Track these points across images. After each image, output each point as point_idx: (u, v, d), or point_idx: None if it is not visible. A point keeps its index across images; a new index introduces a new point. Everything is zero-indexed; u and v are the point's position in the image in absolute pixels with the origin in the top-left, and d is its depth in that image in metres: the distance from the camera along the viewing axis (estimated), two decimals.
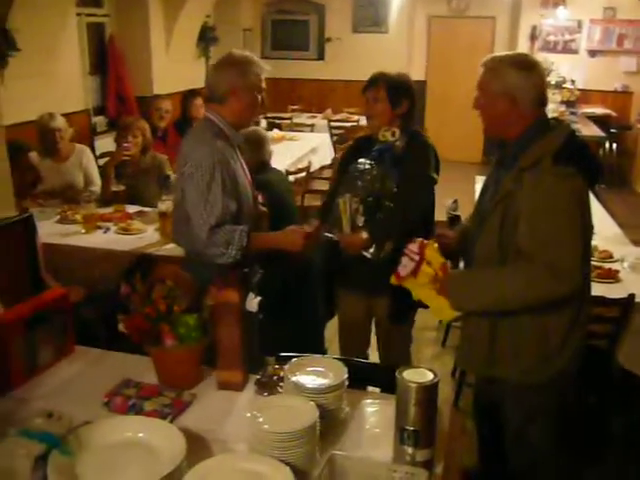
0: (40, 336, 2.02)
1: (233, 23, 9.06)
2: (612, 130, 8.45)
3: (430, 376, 1.57)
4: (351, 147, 2.94)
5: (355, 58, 9.33)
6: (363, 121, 8.14)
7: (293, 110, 8.94)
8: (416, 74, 9.77)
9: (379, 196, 2.54)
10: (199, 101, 5.54)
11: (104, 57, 6.62)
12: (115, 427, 1.61)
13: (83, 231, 3.58)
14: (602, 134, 7.84)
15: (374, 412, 1.83)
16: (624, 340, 2.83)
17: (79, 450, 1.52)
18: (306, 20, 9.65)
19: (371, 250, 2.58)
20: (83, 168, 4.27)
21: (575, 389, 2.15)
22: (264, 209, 2.69)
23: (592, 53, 9.11)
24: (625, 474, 2.96)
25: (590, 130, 7.72)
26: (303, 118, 8.54)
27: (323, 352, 3.62)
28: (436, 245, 2.14)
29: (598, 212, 4.01)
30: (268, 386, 1.92)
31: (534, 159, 1.99)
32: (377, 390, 2.11)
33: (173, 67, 7.28)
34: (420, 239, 2.14)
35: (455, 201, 4.30)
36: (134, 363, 2.08)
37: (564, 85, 8.77)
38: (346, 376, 1.79)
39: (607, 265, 3.25)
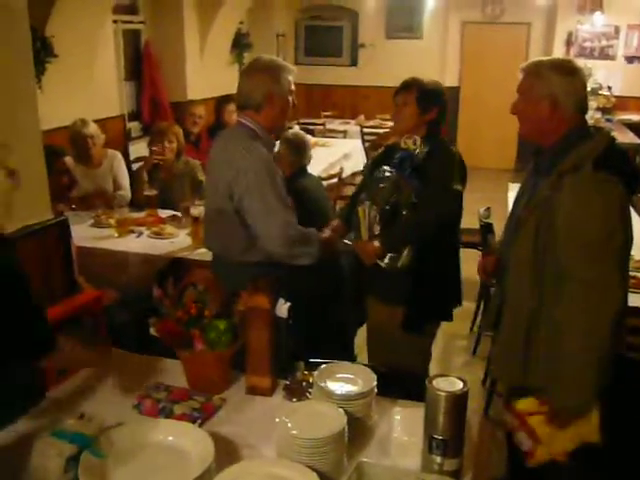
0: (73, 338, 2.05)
1: (267, 29, 9.11)
2: None
3: (460, 385, 1.55)
4: (379, 154, 2.93)
5: (388, 64, 9.32)
6: None
7: (326, 116, 8.96)
8: (449, 80, 9.72)
9: (396, 205, 2.52)
10: (232, 107, 5.58)
11: (139, 63, 6.71)
12: (146, 430, 1.63)
13: (116, 235, 3.64)
14: (639, 141, 7.69)
15: (403, 420, 1.81)
16: None
17: (110, 452, 1.54)
18: (339, 26, 9.67)
19: (386, 260, 2.56)
20: (113, 173, 4.33)
21: (610, 402, 2.09)
22: None
23: (629, 59, 8.96)
24: None
25: (626, 137, 7.58)
26: (336, 124, 8.55)
27: (353, 358, 3.61)
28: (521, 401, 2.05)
29: (633, 220, 3.92)
30: (297, 392, 1.92)
31: (574, 164, 1.96)
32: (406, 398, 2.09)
33: (207, 73, 7.35)
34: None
35: (487, 209, 4.26)
36: (165, 366, 2.11)
37: (600, 92, 8.62)
38: (375, 383, 1.78)
39: None
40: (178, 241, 3.57)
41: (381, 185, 2.50)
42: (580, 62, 8.01)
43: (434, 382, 1.55)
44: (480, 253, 4.20)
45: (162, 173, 4.25)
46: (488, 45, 9.51)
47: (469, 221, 5.13)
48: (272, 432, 1.66)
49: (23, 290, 1.59)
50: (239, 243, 2.46)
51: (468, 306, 4.41)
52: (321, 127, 8.18)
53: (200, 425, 1.75)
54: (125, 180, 4.41)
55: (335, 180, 5.52)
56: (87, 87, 5.35)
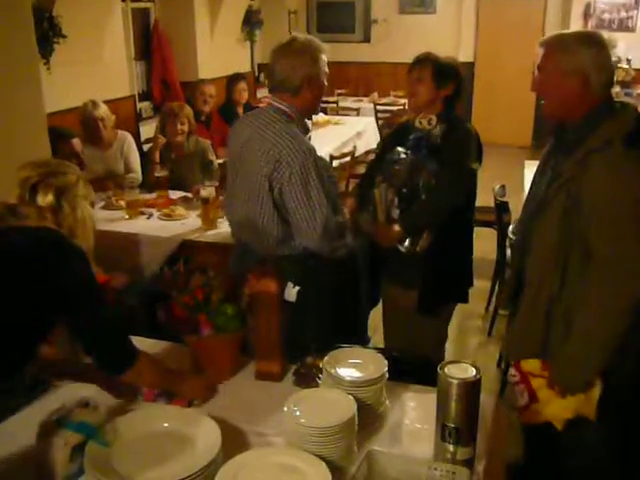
0: None
1: (278, 6, 8.99)
2: None
3: (473, 372, 1.51)
4: (392, 133, 2.85)
5: (402, 40, 9.16)
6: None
7: (339, 94, 8.85)
8: (464, 56, 9.54)
9: (414, 187, 2.45)
10: (243, 85, 5.52)
11: (149, 43, 6.65)
12: (151, 418, 1.61)
13: (127, 217, 3.61)
14: None
15: (415, 407, 1.78)
16: None
17: (115, 440, 1.52)
18: (352, 2, 9.49)
19: (405, 244, 2.50)
20: (124, 155, 4.29)
21: (633, 388, 2.03)
22: None
23: None
24: None
25: None
26: (349, 102, 8.44)
27: (366, 340, 3.58)
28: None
29: None
30: (306, 377, 1.89)
31: (604, 140, 1.86)
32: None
33: (218, 51, 7.27)
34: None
35: (503, 187, 4.18)
36: (173, 351, 2.07)
37: (619, 65, 8.43)
38: (386, 369, 1.74)
39: None
40: (189, 223, 3.53)
41: (397, 167, 2.44)
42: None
43: (446, 369, 1.50)
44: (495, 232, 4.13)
45: (173, 153, 4.21)
46: (503, 19, 9.31)
47: (484, 199, 5.05)
48: (281, 419, 1.62)
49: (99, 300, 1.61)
50: (274, 237, 2.36)
51: (483, 285, 4.36)
52: (334, 105, 8.08)
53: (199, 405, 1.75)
54: (136, 162, 4.37)
55: (348, 159, 5.45)
56: (97, 67, 5.31)
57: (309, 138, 2.54)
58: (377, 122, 7.65)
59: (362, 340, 3.51)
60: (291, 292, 1.98)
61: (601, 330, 1.86)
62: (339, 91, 8.96)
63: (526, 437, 2.37)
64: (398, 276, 2.66)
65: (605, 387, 1.92)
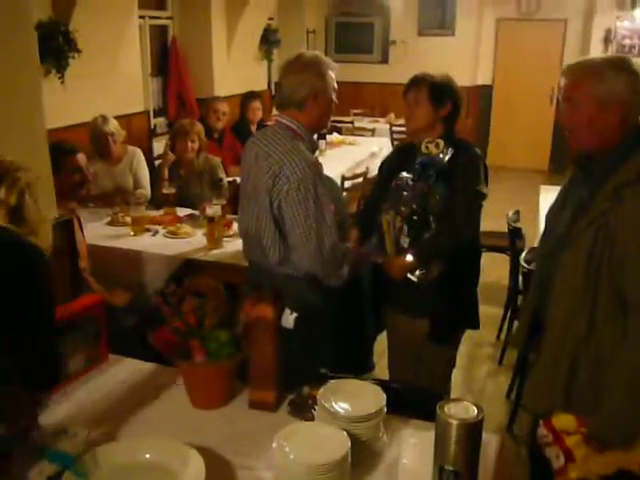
0: (71, 343, 1.97)
1: (297, 25, 9.00)
2: None
3: (474, 411, 1.41)
4: (392, 157, 2.77)
5: (420, 61, 9.06)
6: None
7: (355, 114, 8.81)
8: (482, 78, 9.52)
9: (424, 215, 2.37)
10: (257, 104, 5.51)
11: (166, 59, 6.66)
12: (134, 448, 1.53)
13: (132, 234, 3.56)
14: None
15: (414, 444, 1.68)
16: None
17: (94, 472, 1.44)
18: (371, 22, 9.50)
19: (417, 273, 2.41)
20: (133, 171, 4.26)
21: None
22: None
23: None
24: None
25: None
26: (365, 122, 8.40)
27: (371, 366, 3.49)
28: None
29: None
30: (302, 408, 1.80)
31: (638, 173, 1.72)
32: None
33: (234, 69, 7.27)
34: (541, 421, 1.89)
35: (517, 212, 4.08)
36: (166, 376, 2.00)
37: None
38: (384, 404, 1.65)
39: None
40: (194, 241, 3.47)
41: (405, 194, 2.35)
42: None
43: (446, 408, 1.41)
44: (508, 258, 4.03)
45: (182, 170, 4.18)
46: (523, 43, 9.26)
47: (498, 224, 4.97)
48: (273, 452, 1.54)
49: (48, 310, 1.54)
50: (275, 255, 2.33)
51: (495, 313, 4.26)
52: (349, 125, 8.04)
53: None
54: (145, 178, 4.34)
55: (360, 179, 5.38)
56: (111, 83, 5.30)
57: (316, 157, 2.49)
58: (392, 143, 7.59)
59: (366, 366, 3.44)
60: (288, 319, 1.89)
61: (636, 385, 1.71)
62: (355, 111, 8.93)
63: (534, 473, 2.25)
64: (404, 304, 2.56)
65: None
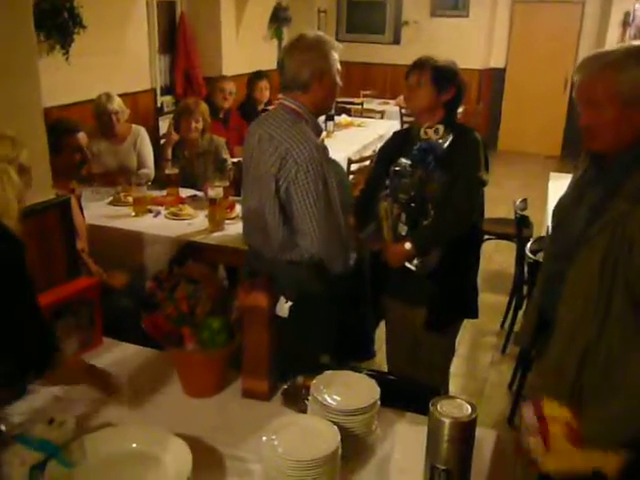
0: (64, 327, 1.94)
1: (307, 4, 8.86)
2: None
3: (468, 409, 1.37)
4: (389, 142, 2.71)
5: (432, 43, 8.97)
6: None
7: (365, 95, 8.70)
8: (496, 61, 9.36)
9: (423, 202, 2.31)
10: (264, 84, 5.43)
11: (174, 36, 6.57)
12: (121, 437, 1.51)
13: (133, 214, 3.52)
14: None
15: (408, 439, 1.64)
16: None
17: (80, 460, 1.42)
18: (383, 2, 9.34)
19: (415, 262, 2.36)
20: (137, 150, 4.22)
21: None
22: None
23: None
24: None
25: None
26: (374, 104, 8.29)
27: (371, 354, 3.45)
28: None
29: None
30: (295, 398, 1.77)
31: None
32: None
33: (243, 48, 7.18)
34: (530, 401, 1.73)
35: (524, 200, 4.01)
36: (161, 361, 1.97)
37: None
38: (378, 397, 1.62)
39: None
40: (195, 223, 3.43)
41: (403, 180, 2.30)
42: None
43: (438, 405, 1.37)
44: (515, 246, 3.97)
45: (186, 151, 4.13)
46: (538, 25, 9.08)
47: (507, 210, 4.90)
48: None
49: (29, 295, 1.49)
50: (278, 241, 2.28)
51: (500, 301, 4.21)
52: (358, 107, 7.94)
53: None
54: (149, 157, 4.30)
55: (367, 162, 5.31)
56: (117, 60, 5.24)
57: (322, 140, 2.44)
58: (402, 126, 7.50)
59: (366, 354, 3.40)
60: (283, 307, 1.86)
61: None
62: (365, 92, 8.82)
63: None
64: (403, 293, 2.52)
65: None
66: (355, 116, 7.38)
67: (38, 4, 4.33)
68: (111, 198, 3.75)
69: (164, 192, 3.84)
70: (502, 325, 4.18)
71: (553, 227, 1.93)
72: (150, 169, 4.21)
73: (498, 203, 4.88)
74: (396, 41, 9.49)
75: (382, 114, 7.72)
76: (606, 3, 8.66)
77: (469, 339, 4.04)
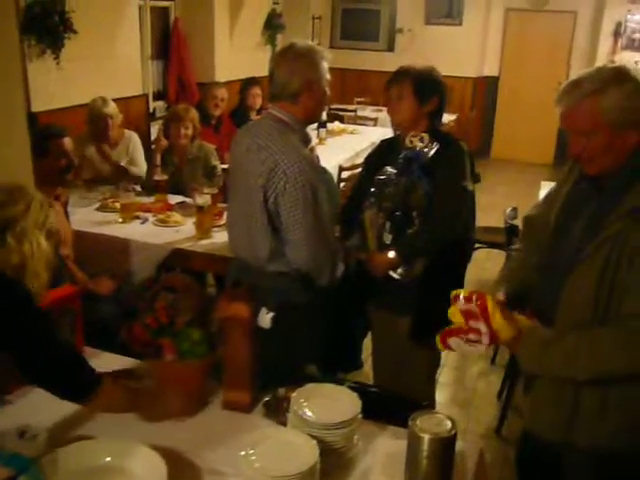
0: None
1: (302, 11, 8.87)
2: None
3: (447, 425, 1.35)
4: (375, 151, 2.69)
5: (426, 51, 8.97)
6: None
7: (358, 102, 8.70)
8: (489, 69, 9.39)
9: (407, 211, 2.29)
10: (257, 90, 5.41)
11: (167, 42, 6.56)
12: (94, 451, 1.48)
13: (120, 220, 3.49)
14: None
15: (390, 454, 1.61)
16: None
17: (52, 475, 1.39)
18: (377, 10, 9.35)
19: (399, 270, 2.35)
20: (129, 154, 4.20)
21: None
22: None
23: None
24: None
25: None
26: (367, 111, 8.28)
27: (358, 365, 3.43)
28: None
29: None
30: (276, 410, 1.75)
31: None
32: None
33: (236, 54, 7.16)
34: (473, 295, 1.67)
35: (514, 209, 4.00)
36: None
37: None
38: (359, 411, 1.59)
39: None
40: (183, 230, 3.39)
41: (388, 189, 2.28)
42: (628, 56, 7.50)
43: (418, 420, 1.35)
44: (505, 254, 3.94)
45: (176, 157, 4.10)
46: (531, 34, 9.11)
47: (498, 219, 4.89)
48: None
49: (49, 330, 1.48)
50: (265, 252, 2.25)
51: None
52: (351, 114, 7.93)
53: None
54: (140, 159, 4.28)
55: (358, 170, 5.29)
56: (109, 65, 5.21)
57: (312, 149, 2.42)
58: (395, 133, 7.48)
59: (354, 364, 3.38)
60: (265, 318, 1.83)
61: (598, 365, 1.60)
62: (358, 99, 8.82)
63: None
64: (388, 302, 2.50)
65: None
66: (348, 123, 7.37)
67: (29, 8, 4.32)
68: (99, 204, 3.72)
69: (152, 198, 3.81)
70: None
71: (549, 243, 1.83)
72: (142, 172, 4.18)
73: (490, 211, 4.86)
74: (390, 48, 9.50)
75: (375, 121, 7.71)
76: (598, 13, 8.70)
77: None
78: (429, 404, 2.76)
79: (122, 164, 4.19)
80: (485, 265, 5.08)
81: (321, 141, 5.99)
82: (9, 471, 1.33)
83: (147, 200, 3.79)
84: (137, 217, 3.54)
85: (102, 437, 1.56)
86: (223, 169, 4.06)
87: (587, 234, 1.68)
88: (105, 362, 2.00)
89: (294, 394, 1.63)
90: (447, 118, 8.10)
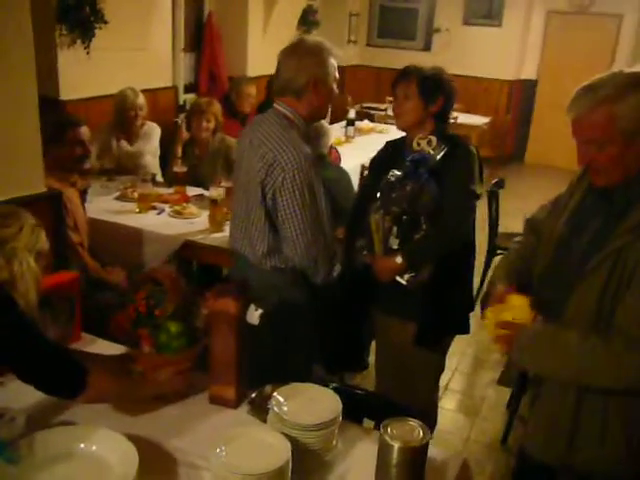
0: (41, 321, 1.92)
1: (339, 7, 8.84)
2: None
3: (419, 434, 1.32)
4: (381, 154, 2.65)
5: (463, 51, 8.88)
6: (463, 119, 7.76)
7: (390, 101, 8.61)
8: (527, 73, 9.22)
9: (415, 215, 2.25)
10: None
11: (201, 34, 6.60)
12: (69, 437, 1.49)
13: (137, 210, 3.52)
14: None
15: (370, 458, 1.58)
16: None
17: (28, 458, 1.40)
18: (416, 8, 9.25)
19: (406, 276, 2.30)
20: (150, 145, 4.24)
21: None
22: None
23: None
24: None
25: None
26: None
27: (364, 365, 3.41)
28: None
29: None
30: (260, 408, 1.73)
31: None
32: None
33: (269, 49, 7.11)
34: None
35: None
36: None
37: None
38: (338, 413, 1.57)
39: None
40: (197, 222, 3.41)
41: (395, 193, 2.24)
42: None
43: (389, 428, 1.32)
44: None
45: (197, 149, 4.13)
46: (573, 38, 8.90)
47: (519, 225, 4.80)
48: None
49: (31, 334, 1.50)
50: (263, 247, 2.25)
51: None
52: (382, 113, 7.88)
53: None
54: (152, 150, 4.32)
55: None
56: (139, 56, 5.27)
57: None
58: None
59: (360, 366, 3.36)
60: (253, 315, 1.82)
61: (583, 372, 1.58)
62: (389, 98, 8.72)
63: None
64: (394, 307, 2.46)
65: None
66: (379, 122, 7.31)
67: None
68: (119, 193, 3.76)
69: (172, 189, 3.84)
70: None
71: (551, 254, 1.78)
72: (149, 163, 4.23)
73: (520, 217, 4.77)
74: (427, 48, 9.39)
75: None
76: None
77: (471, 355, 3.96)
78: (434, 409, 2.74)
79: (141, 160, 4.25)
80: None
81: (348, 139, 5.96)
82: None
83: (166, 191, 3.82)
84: (154, 208, 3.57)
85: (81, 424, 1.57)
86: None
87: (592, 248, 1.63)
88: (98, 348, 2.02)
89: (275, 393, 1.62)
90: (480, 121, 8.00)
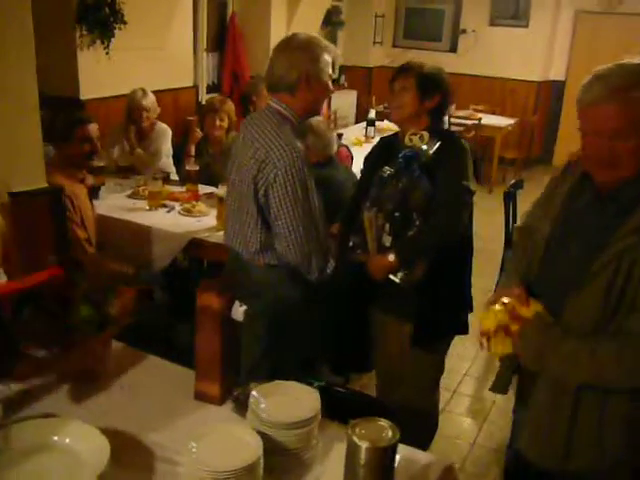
0: (29, 316, 1.94)
1: (365, 8, 8.83)
2: None
3: (388, 434, 1.29)
4: (374, 150, 2.62)
5: (490, 52, 8.79)
6: (487, 120, 7.66)
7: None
8: (554, 74, 9.07)
9: (407, 212, 2.22)
10: None
11: (224, 35, 6.64)
12: (42, 429, 1.49)
13: (147, 208, 3.55)
14: None
15: (338, 461, 1.56)
16: None
17: (3, 450, 1.42)
18: (442, 9, 9.19)
19: (399, 274, 2.27)
20: (159, 146, 4.27)
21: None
22: None
23: None
24: None
25: None
26: None
27: (368, 367, 3.37)
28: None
29: None
30: (244, 405, 1.72)
31: None
32: None
33: None
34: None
35: None
36: (124, 356, 1.95)
37: None
38: (317, 412, 1.54)
39: None
40: (205, 220, 3.42)
41: (387, 190, 2.21)
42: None
43: (357, 428, 1.29)
44: None
45: (210, 148, 4.14)
46: (602, 38, 8.72)
47: None
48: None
49: None
50: (255, 244, 2.24)
51: None
52: None
53: None
54: (165, 154, 4.35)
55: None
56: (159, 56, 5.32)
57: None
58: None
59: (364, 366, 3.32)
60: (238, 311, 1.81)
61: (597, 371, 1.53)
62: None
63: None
64: (390, 306, 2.43)
65: None
66: None
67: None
68: (131, 191, 3.80)
69: (184, 188, 3.86)
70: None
71: (544, 257, 1.72)
72: (165, 165, 4.25)
73: None
74: (453, 49, 9.31)
75: None
76: None
77: (483, 358, 3.90)
78: (435, 411, 2.70)
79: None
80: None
81: (368, 139, 5.95)
82: None
83: (178, 189, 3.84)
84: (164, 205, 3.59)
85: (58, 415, 1.58)
86: None
87: (590, 249, 1.56)
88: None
89: (254, 390, 1.60)
90: (505, 122, 7.89)
